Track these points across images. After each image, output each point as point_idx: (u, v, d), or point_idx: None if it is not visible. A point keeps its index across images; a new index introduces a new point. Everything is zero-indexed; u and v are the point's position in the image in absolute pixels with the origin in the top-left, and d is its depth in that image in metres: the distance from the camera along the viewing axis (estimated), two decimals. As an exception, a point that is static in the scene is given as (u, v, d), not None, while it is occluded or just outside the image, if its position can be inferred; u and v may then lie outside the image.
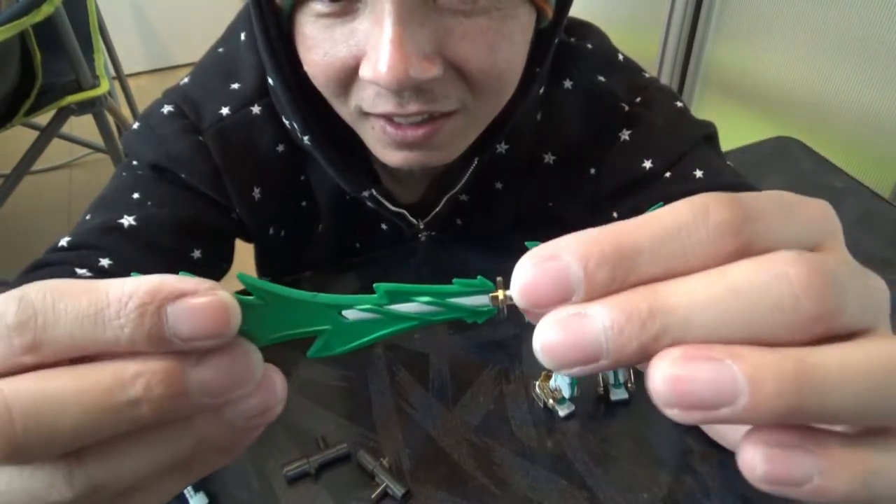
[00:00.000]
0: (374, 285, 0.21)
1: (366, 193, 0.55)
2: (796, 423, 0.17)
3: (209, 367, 0.19)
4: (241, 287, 0.22)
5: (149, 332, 0.18)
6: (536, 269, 0.18)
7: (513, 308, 0.20)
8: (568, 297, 0.18)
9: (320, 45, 0.43)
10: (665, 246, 0.18)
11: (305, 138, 0.52)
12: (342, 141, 0.53)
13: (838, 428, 0.18)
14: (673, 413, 0.17)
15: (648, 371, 0.17)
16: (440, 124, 0.46)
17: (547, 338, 0.18)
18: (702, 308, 0.17)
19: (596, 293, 0.18)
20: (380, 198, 0.56)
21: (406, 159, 0.48)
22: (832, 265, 0.17)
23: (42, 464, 0.19)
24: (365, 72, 0.41)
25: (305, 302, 0.21)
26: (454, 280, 0.21)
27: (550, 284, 0.18)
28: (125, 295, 0.18)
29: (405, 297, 0.21)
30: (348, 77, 0.44)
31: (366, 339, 0.22)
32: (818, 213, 0.20)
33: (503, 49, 0.44)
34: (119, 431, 0.19)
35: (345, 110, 0.48)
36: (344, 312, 0.21)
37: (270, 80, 0.52)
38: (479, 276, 0.21)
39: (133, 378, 0.19)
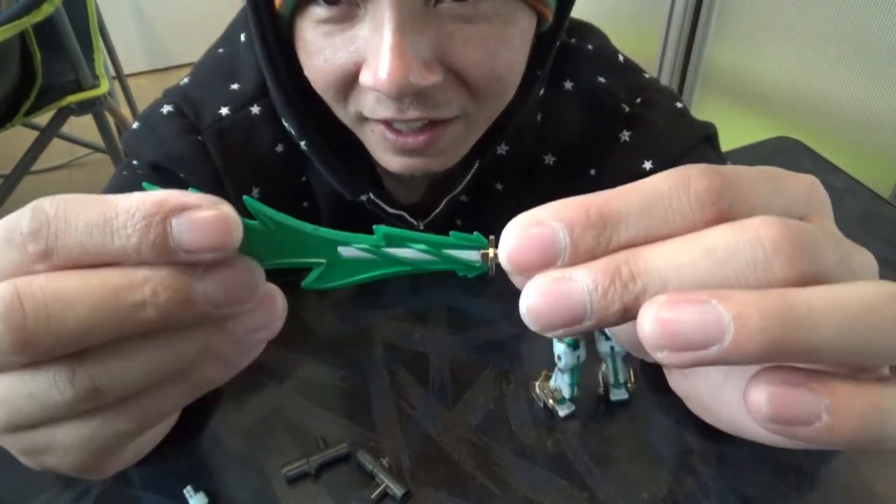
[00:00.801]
0: (374, 227, 0.22)
1: (363, 197, 0.55)
2: (784, 361, 0.17)
3: (214, 278, 0.20)
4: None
5: (153, 242, 0.19)
6: (523, 234, 0.19)
7: (503, 272, 0.21)
8: (553, 261, 0.19)
9: (321, 50, 0.43)
10: (647, 213, 0.18)
11: (302, 143, 0.52)
12: (343, 143, 0.53)
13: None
14: (663, 356, 0.17)
15: (638, 319, 0.18)
16: (440, 130, 0.46)
17: (532, 301, 0.19)
18: (679, 269, 0.18)
19: (580, 258, 0.18)
20: (378, 201, 0.56)
21: (406, 165, 0.48)
22: (810, 230, 0.18)
23: (46, 365, 0.20)
24: (365, 78, 0.41)
25: (305, 233, 0.22)
26: (451, 232, 0.21)
27: (537, 249, 0.19)
28: (133, 206, 0.19)
29: (402, 243, 0.21)
30: (348, 83, 0.44)
31: (360, 277, 0.22)
32: (804, 186, 0.21)
33: (503, 54, 0.44)
34: (124, 333, 0.20)
35: (345, 115, 0.48)
36: (340, 249, 0.22)
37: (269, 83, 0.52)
38: (475, 232, 0.21)
39: (141, 282, 0.20)
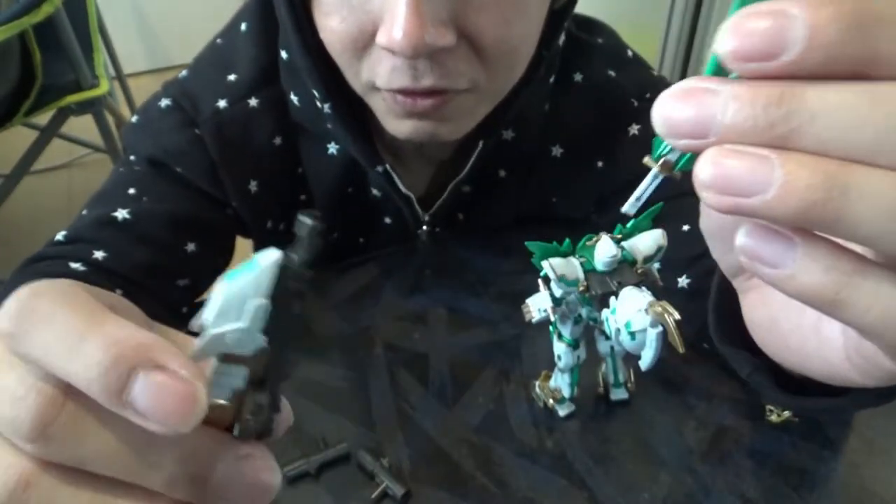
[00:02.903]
0: None
1: (380, 168, 0.55)
2: (817, 229, 0.17)
3: (241, 467, 0.20)
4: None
5: (109, 386, 0.17)
6: (753, 16, 0.16)
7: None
8: (779, 52, 0.16)
9: (337, 10, 0.43)
10: None
11: (326, 106, 0.52)
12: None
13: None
14: (707, 196, 0.17)
15: (699, 157, 0.17)
16: (451, 96, 0.46)
17: (664, 110, 0.18)
18: (832, 105, 0.16)
19: (817, 50, 0.15)
20: (393, 175, 0.56)
21: (415, 129, 0.48)
22: None
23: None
24: (381, 38, 0.41)
25: None
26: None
27: (766, 34, 0.16)
28: (109, 340, 0.18)
29: None
30: (364, 45, 0.44)
31: None
32: None
33: (518, 23, 0.44)
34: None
35: (356, 81, 0.48)
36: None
37: (284, 53, 0.51)
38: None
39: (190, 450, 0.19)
